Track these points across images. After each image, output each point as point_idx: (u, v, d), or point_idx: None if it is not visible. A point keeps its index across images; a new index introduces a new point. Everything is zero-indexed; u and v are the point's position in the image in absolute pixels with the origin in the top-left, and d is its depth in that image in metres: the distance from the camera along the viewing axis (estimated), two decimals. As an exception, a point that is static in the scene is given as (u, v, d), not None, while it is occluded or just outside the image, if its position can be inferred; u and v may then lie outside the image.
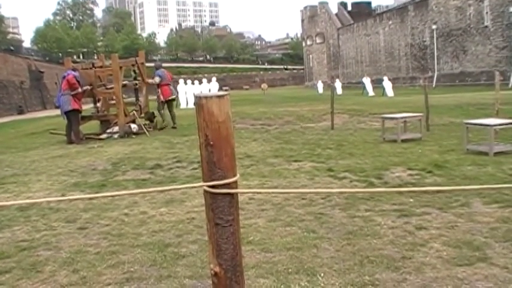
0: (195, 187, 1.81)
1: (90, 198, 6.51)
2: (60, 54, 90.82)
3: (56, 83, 43.90)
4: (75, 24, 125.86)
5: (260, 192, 6.77)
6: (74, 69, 15.00)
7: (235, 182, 1.68)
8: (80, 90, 14.33)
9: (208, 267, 1.80)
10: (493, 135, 8.40)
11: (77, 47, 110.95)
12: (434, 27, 48.74)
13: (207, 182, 1.65)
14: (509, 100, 16.92)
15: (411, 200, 5.64)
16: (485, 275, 3.49)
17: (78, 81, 14.42)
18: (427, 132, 11.68)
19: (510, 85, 34.35)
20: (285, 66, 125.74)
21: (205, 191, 1.67)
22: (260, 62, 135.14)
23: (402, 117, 11.31)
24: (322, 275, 3.66)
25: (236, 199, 1.70)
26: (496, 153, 8.25)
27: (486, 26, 42.11)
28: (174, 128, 16.34)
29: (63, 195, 6.91)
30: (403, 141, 10.49)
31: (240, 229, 1.76)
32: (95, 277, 3.90)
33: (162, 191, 6.86)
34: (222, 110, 1.64)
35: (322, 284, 3.50)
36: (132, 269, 4.02)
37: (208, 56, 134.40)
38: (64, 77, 14.51)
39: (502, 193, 5.60)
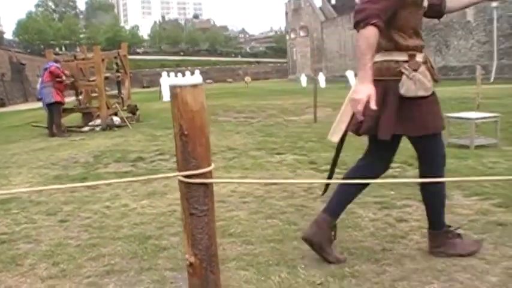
0: (169, 177, 1.81)
1: (55, 189, 6.49)
2: (42, 46, 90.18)
3: (38, 76, 43.58)
4: (57, 16, 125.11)
5: (234, 182, 6.80)
6: (56, 61, 14.94)
7: (210, 172, 1.68)
8: (64, 78, 14.29)
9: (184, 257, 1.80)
10: (474, 128, 8.46)
11: (59, 39, 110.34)
12: (417, 21, 48.89)
13: (181, 172, 1.65)
14: (490, 94, 17.07)
15: (392, 192, 5.67)
16: (464, 266, 3.52)
17: (63, 71, 14.44)
18: (409, 126, 11.72)
19: (492, 79, 34.64)
20: (257, 60, 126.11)
21: (180, 181, 1.66)
22: (233, 55, 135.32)
23: (384, 111, 11.35)
24: (302, 266, 3.67)
25: (211, 189, 1.70)
26: (477, 147, 8.32)
27: (468, 21, 42.32)
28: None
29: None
30: (385, 134, 10.52)
31: (215, 219, 1.76)
32: (75, 270, 3.88)
33: (137, 181, 6.83)
34: (197, 99, 1.64)
35: (302, 276, 3.51)
36: (112, 262, 4.01)
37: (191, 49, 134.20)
38: (46, 69, 14.43)
39: (482, 185, 5.65)
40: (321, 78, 44.58)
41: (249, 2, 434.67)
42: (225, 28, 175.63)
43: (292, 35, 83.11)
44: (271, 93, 32.03)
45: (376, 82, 3.35)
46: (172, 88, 1.64)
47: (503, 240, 3.98)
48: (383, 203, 5.27)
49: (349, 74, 41.45)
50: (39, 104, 15.88)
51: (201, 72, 49.28)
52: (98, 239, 4.60)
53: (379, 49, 3.43)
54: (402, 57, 3.42)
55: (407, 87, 3.38)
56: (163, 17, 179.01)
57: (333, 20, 71.72)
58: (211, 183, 1.69)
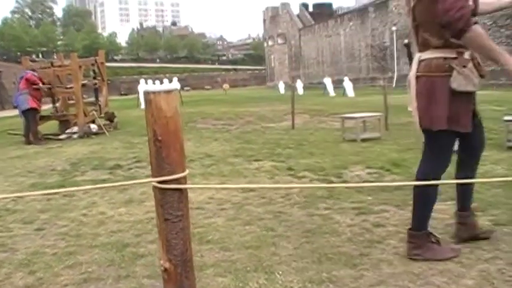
0: (143, 183, 1.81)
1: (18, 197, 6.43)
2: (18, 53, 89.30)
3: (14, 83, 43.17)
4: (34, 22, 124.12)
5: (208, 188, 6.80)
6: (33, 70, 14.86)
7: (185, 177, 1.68)
8: (41, 85, 14.22)
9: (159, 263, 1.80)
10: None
11: (36, 46, 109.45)
12: (394, 28, 49.30)
13: (156, 178, 1.65)
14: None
15: (369, 197, 5.71)
16: (441, 270, 3.55)
17: (40, 79, 14.38)
18: (386, 132, 11.84)
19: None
20: (234, 67, 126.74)
21: (154, 187, 1.67)
22: (210, 62, 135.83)
23: (362, 117, 11.44)
24: (280, 272, 3.68)
25: (185, 194, 1.70)
26: (455, 151, 8.38)
27: (444, 28, 42.78)
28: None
29: (20, 197, 6.80)
30: (363, 140, 10.62)
31: (190, 225, 1.76)
32: (52, 278, 3.85)
33: (110, 187, 6.83)
34: (170, 105, 1.64)
35: (280, 282, 3.52)
36: (90, 270, 3.98)
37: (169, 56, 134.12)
38: (22, 77, 14.35)
39: (458, 190, 5.70)
40: (299, 85, 44.76)
41: (227, 9, 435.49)
42: (203, 35, 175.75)
43: (270, 42, 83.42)
44: (249, 100, 32.09)
45: (424, 78, 3.70)
46: (146, 94, 1.64)
47: (479, 244, 4.02)
48: (360, 209, 5.31)
49: (327, 80, 41.63)
50: (16, 112, 15.72)
51: (179, 80, 49.23)
52: (75, 247, 4.57)
53: (428, 47, 3.68)
54: (451, 54, 3.59)
55: (458, 82, 3.56)
56: (141, 24, 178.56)
57: (310, 27, 72.05)
58: (185, 189, 1.69)
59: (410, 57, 4.15)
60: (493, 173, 6.86)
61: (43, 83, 14.62)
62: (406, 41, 3.88)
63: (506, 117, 8.90)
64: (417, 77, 3.76)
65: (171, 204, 1.66)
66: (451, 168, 7.24)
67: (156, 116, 1.63)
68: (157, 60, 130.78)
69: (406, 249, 3.90)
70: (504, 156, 7.97)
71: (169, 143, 1.64)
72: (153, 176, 1.67)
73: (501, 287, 3.26)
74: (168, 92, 1.64)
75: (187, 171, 1.70)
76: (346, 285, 3.41)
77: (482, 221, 4.62)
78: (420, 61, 3.74)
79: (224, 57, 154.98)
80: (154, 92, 1.63)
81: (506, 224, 4.50)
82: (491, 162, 7.51)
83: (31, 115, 14.00)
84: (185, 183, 1.69)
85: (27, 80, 14.08)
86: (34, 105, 14.03)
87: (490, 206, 5.06)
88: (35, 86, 14.07)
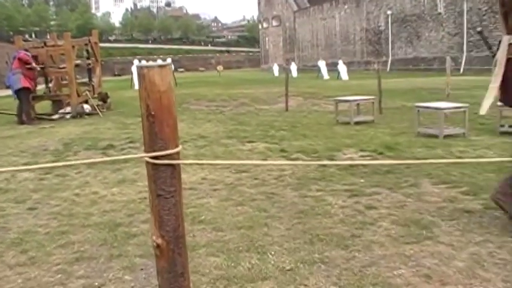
0: (136, 158, 1.81)
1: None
2: (11, 32, 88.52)
3: (6, 62, 42.84)
4: (27, 1, 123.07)
5: (201, 163, 6.81)
6: (26, 50, 14.77)
7: (177, 153, 1.67)
8: (34, 65, 14.14)
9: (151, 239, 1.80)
10: (443, 118, 8.55)
11: (29, 25, 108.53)
12: (389, 12, 49.15)
13: (148, 153, 1.64)
14: (459, 85, 17.28)
15: (362, 180, 5.73)
16: (432, 252, 3.57)
17: (34, 57, 14.30)
18: (380, 115, 11.85)
19: (461, 71, 35.04)
20: (227, 49, 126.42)
21: (147, 162, 1.66)
22: (203, 44, 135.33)
23: (355, 100, 11.43)
24: (272, 253, 3.69)
25: (178, 170, 1.70)
26: (446, 136, 8.42)
27: (439, 13, 42.67)
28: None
29: (12, 176, 6.78)
30: (356, 123, 10.62)
31: (182, 201, 1.76)
32: (44, 257, 3.85)
33: (103, 162, 6.84)
34: (164, 79, 1.63)
35: (272, 262, 3.53)
36: (82, 249, 3.98)
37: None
38: (15, 57, 14.27)
39: (450, 174, 5.74)
40: (293, 67, 44.64)
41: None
42: (197, 16, 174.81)
43: (265, 24, 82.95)
44: (243, 82, 32.01)
45: None
46: (140, 69, 1.63)
47: (470, 227, 4.05)
48: (353, 191, 5.32)
49: (321, 63, 41.49)
50: (8, 92, 15.64)
51: (173, 61, 48.90)
52: (67, 227, 4.57)
53: None
54: None
55: None
56: (135, 5, 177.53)
57: (305, 10, 71.65)
58: (178, 164, 1.69)
59: (486, 42, 4.42)
60: (485, 158, 6.89)
61: (37, 63, 14.55)
62: (479, 28, 4.15)
63: (499, 103, 8.91)
64: (508, 59, 3.97)
65: (164, 179, 1.66)
66: (440, 150, 7.29)
67: (149, 90, 1.62)
68: (151, 41, 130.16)
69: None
70: (496, 142, 7.99)
71: (163, 118, 1.63)
72: (146, 151, 1.66)
73: (491, 269, 3.28)
74: (162, 66, 1.63)
75: (180, 147, 1.69)
76: (337, 266, 3.42)
77: (474, 205, 4.65)
78: (510, 44, 3.97)
79: (220, 39, 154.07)
80: (148, 67, 1.62)
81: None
82: (483, 147, 7.55)
83: (24, 95, 13.93)
84: (178, 158, 1.68)
85: (20, 59, 14.00)
86: (27, 84, 13.95)
87: (481, 190, 5.07)
88: (28, 66, 14.00)
